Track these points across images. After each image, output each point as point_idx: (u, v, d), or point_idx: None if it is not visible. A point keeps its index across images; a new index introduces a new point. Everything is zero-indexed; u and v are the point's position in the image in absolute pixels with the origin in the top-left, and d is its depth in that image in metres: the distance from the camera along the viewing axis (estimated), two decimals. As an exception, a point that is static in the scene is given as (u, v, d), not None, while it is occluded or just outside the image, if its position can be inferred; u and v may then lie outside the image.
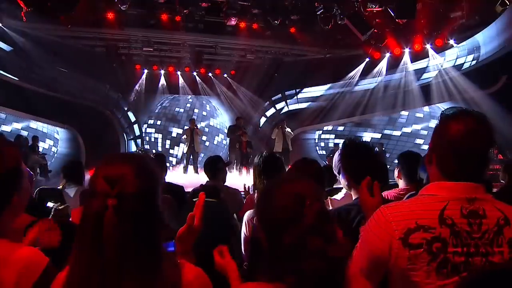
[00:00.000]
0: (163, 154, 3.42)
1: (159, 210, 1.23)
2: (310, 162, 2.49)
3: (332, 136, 16.56)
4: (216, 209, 3.11)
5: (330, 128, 16.59)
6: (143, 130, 16.04)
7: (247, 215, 2.89)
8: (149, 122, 16.32)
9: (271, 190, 1.32)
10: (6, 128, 12.85)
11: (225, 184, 4.44)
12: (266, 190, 1.36)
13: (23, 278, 1.26)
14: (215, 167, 4.21)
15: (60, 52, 12.77)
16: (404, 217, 1.36)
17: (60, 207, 2.84)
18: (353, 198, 2.58)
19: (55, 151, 14.14)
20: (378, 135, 15.68)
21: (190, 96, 16.54)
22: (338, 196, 2.97)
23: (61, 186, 4.53)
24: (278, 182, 1.34)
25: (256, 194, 3.31)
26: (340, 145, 2.65)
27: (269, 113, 16.87)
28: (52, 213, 2.82)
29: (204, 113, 16.86)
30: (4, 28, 11.77)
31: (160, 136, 16.33)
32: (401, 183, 3.43)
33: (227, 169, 4.46)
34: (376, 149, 3.06)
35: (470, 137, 1.41)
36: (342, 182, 2.64)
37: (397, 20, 11.72)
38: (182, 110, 16.56)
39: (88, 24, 12.67)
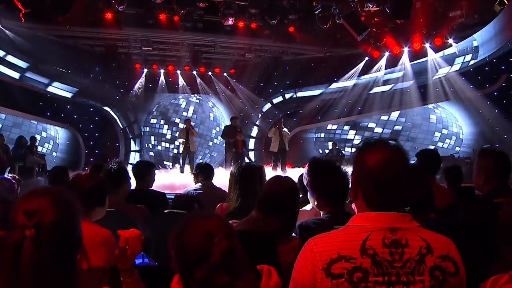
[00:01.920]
0: (123, 167, 3.37)
1: (77, 237, 1.32)
2: (283, 181, 2.43)
3: (331, 135, 16.56)
4: None
5: (329, 126, 16.59)
6: (143, 129, 16.10)
7: None
8: (149, 121, 16.40)
9: (183, 228, 1.38)
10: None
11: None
12: (179, 227, 1.41)
13: None
14: (140, 172, 4.18)
15: (59, 52, 12.84)
16: (328, 248, 1.39)
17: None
18: (321, 213, 2.61)
19: (55, 151, 14.23)
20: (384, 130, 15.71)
21: (189, 95, 16.58)
22: (308, 207, 2.98)
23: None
24: (189, 219, 1.40)
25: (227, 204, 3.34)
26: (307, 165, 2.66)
27: (267, 111, 16.89)
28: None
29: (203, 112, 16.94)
30: (3, 29, 11.86)
31: (158, 135, 16.42)
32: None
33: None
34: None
35: (387, 166, 1.42)
36: (311, 201, 2.69)
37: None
38: (180, 109, 16.61)
39: (87, 24, 12.75)
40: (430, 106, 14.88)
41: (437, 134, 14.93)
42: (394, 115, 15.42)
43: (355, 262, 1.36)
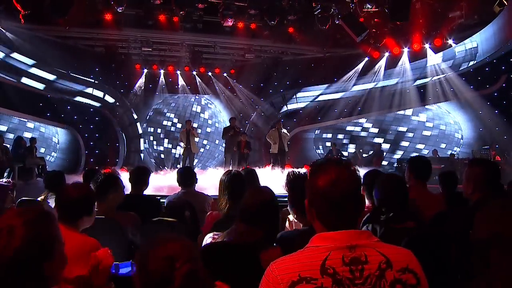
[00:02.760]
0: (113, 175, 3.40)
1: (53, 255, 1.38)
2: (262, 192, 2.42)
3: (330, 135, 16.55)
4: (174, 231, 3.10)
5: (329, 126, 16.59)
6: (143, 130, 16.13)
7: (208, 236, 2.80)
8: (148, 122, 16.43)
9: (145, 253, 1.40)
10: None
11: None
12: (141, 252, 1.43)
13: None
14: (135, 178, 4.23)
15: (59, 52, 12.87)
16: (289, 270, 1.40)
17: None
18: (301, 225, 2.64)
19: (55, 152, 14.26)
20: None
21: (189, 95, 16.61)
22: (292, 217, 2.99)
23: (43, 197, 4.60)
24: (152, 244, 1.41)
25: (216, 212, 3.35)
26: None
27: (267, 112, 16.87)
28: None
29: (203, 112, 16.95)
30: (3, 30, 11.89)
31: (158, 136, 16.45)
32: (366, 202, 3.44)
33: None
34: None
35: (339, 184, 1.44)
36: (291, 213, 2.71)
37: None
38: (180, 110, 16.64)
39: (86, 25, 12.76)
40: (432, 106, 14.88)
41: (435, 132, 14.93)
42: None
43: (316, 282, 1.37)
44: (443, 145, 14.69)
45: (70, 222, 2.40)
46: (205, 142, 16.47)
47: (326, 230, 1.47)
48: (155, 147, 16.37)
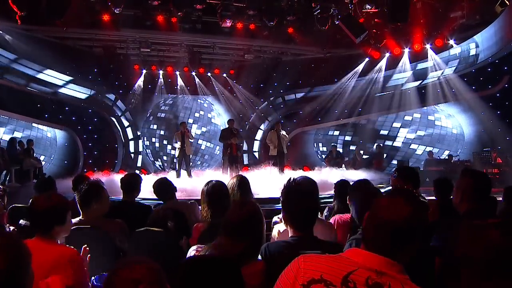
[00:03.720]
0: (97, 184, 3.41)
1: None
2: (245, 205, 2.36)
3: (330, 137, 16.45)
4: (159, 241, 3.06)
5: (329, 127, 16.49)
6: (142, 131, 16.04)
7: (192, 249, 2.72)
8: (147, 123, 16.35)
9: (111, 275, 1.41)
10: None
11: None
12: (108, 275, 1.44)
13: None
14: (127, 185, 4.23)
15: (57, 53, 12.80)
16: (314, 268, 1.46)
17: (31, 225, 3.05)
18: (289, 235, 2.55)
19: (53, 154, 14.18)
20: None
21: (188, 96, 16.52)
22: (282, 227, 2.95)
23: (31, 204, 4.52)
24: (118, 266, 1.42)
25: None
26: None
27: (267, 113, 16.77)
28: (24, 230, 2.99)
29: (205, 113, 16.86)
30: (1, 32, 11.82)
31: (157, 137, 16.35)
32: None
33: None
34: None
35: (390, 211, 1.49)
36: (283, 221, 2.61)
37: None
38: (179, 111, 16.54)
39: (85, 25, 12.66)
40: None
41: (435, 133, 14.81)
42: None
43: None
44: (442, 147, 14.53)
45: (44, 233, 2.41)
46: (209, 144, 16.39)
47: (363, 247, 1.52)
48: (154, 148, 16.27)
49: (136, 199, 4.36)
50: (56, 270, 2.18)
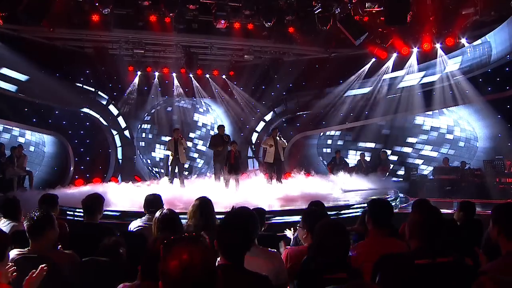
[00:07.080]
0: (48, 213, 3.18)
1: None
2: (234, 228, 2.40)
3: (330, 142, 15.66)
4: (106, 271, 2.89)
5: (332, 133, 15.68)
6: (136, 135, 15.39)
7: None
8: (142, 127, 15.71)
9: None
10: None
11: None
12: None
13: None
14: (88, 206, 4.24)
15: (44, 54, 12.23)
16: None
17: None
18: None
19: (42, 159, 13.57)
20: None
21: (185, 99, 15.85)
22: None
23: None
24: None
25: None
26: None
27: (267, 117, 16.01)
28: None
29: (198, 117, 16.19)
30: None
31: (151, 142, 15.72)
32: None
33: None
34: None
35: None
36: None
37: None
38: (175, 114, 15.88)
39: (74, 26, 12.05)
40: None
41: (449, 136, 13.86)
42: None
43: None
44: (455, 153, 13.57)
45: None
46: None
47: None
48: (148, 153, 15.65)
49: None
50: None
